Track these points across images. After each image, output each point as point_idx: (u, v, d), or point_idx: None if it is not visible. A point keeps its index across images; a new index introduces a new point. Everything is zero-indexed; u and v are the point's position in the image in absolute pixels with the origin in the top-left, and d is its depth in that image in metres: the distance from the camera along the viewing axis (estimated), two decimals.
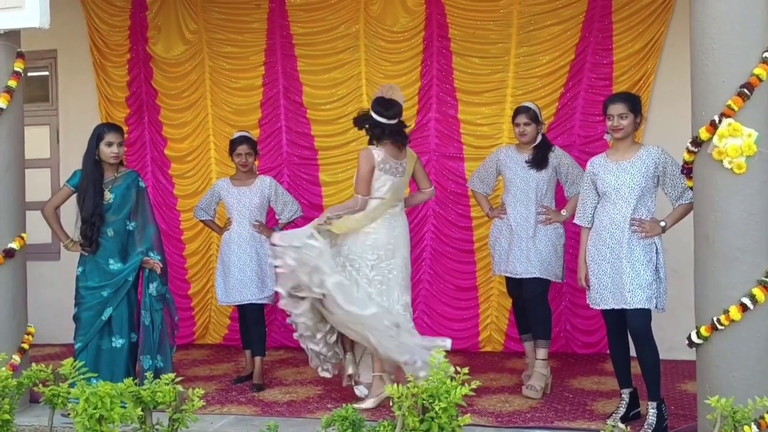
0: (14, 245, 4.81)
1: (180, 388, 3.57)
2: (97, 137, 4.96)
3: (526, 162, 5.08)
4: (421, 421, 3.18)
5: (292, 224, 5.73)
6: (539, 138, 5.10)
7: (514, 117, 5.15)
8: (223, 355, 6.52)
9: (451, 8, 6.33)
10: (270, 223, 5.77)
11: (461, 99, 6.38)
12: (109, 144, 4.92)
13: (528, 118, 5.05)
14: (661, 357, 4.25)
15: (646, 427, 4.18)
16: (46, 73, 7.32)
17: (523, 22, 6.22)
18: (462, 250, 6.42)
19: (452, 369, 3.28)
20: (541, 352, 5.05)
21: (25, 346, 4.91)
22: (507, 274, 5.16)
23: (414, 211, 6.45)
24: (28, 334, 4.97)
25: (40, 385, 3.80)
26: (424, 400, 3.20)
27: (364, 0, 6.47)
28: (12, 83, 4.79)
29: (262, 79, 6.76)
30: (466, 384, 3.16)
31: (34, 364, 3.84)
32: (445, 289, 6.46)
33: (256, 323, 5.52)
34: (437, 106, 6.42)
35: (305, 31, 6.64)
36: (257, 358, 5.48)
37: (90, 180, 4.92)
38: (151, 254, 4.97)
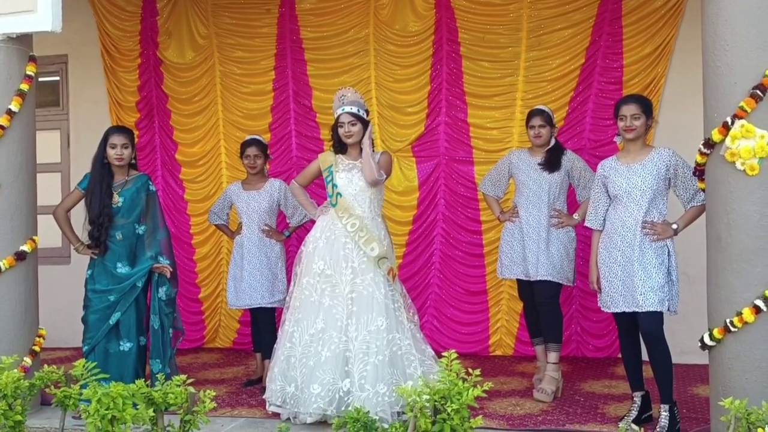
0: (26, 248, 4.82)
1: (191, 389, 3.57)
2: (103, 139, 4.98)
3: (538, 164, 5.07)
4: (433, 423, 3.17)
5: (303, 228, 5.74)
6: (552, 141, 5.10)
7: (528, 119, 5.14)
8: (233, 358, 6.52)
9: (461, 12, 6.33)
10: (281, 227, 5.77)
11: (471, 103, 6.38)
12: (113, 146, 4.91)
13: (543, 121, 5.05)
14: (672, 361, 4.23)
15: (658, 429, 4.16)
16: (57, 78, 7.36)
17: (533, 26, 6.22)
18: (471, 254, 6.41)
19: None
20: (552, 356, 5.03)
21: (37, 348, 4.91)
22: (519, 277, 5.14)
23: (423, 214, 6.47)
24: (40, 336, 4.98)
25: (52, 387, 3.80)
26: (436, 401, 3.19)
27: (374, 4, 6.49)
28: (24, 87, 4.81)
29: (273, 84, 6.78)
30: (478, 386, 3.15)
31: (46, 366, 3.84)
32: (455, 293, 6.45)
33: (266, 326, 5.52)
34: (447, 109, 6.42)
35: (315, 36, 6.66)
36: (267, 361, 5.45)
37: (97, 181, 4.93)
38: (160, 259, 4.95)
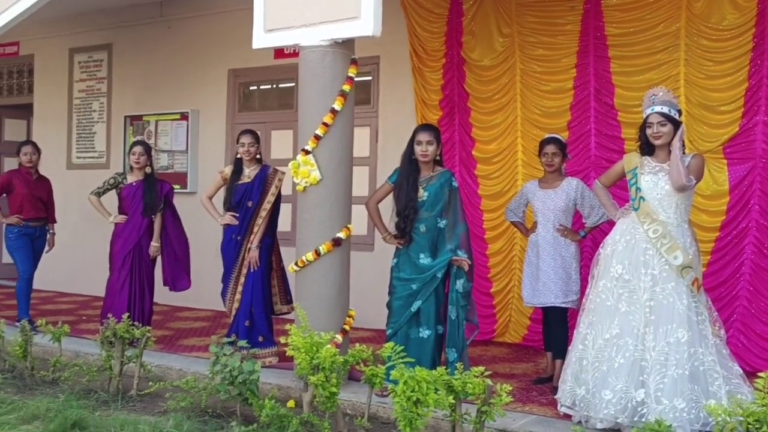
0: (341, 235, 5.26)
1: (489, 381, 3.69)
2: (411, 137, 5.27)
3: None
4: None
5: (598, 229, 5.63)
6: None
7: None
8: (522, 354, 6.58)
9: None
10: (576, 226, 5.70)
11: None
12: (419, 143, 5.19)
13: None
14: None
15: None
16: (369, 78, 7.91)
17: None
18: None
19: None
20: None
21: (347, 327, 5.34)
22: None
23: (734, 221, 6.01)
24: (350, 316, 5.41)
25: (361, 364, 4.13)
26: (749, 424, 3.00)
27: None
28: (346, 88, 5.24)
29: (573, 82, 6.68)
30: None
31: (357, 345, 4.17)
32: (767, 308, 5.91)
33: (558, 326, 5.51)
34: (767, 108, 5.88)
35: (620, 32, 6.45)
36: (558, 361, 5.44)
37: (404, 176, 5.24)
38: (459, 252, 5.12)
